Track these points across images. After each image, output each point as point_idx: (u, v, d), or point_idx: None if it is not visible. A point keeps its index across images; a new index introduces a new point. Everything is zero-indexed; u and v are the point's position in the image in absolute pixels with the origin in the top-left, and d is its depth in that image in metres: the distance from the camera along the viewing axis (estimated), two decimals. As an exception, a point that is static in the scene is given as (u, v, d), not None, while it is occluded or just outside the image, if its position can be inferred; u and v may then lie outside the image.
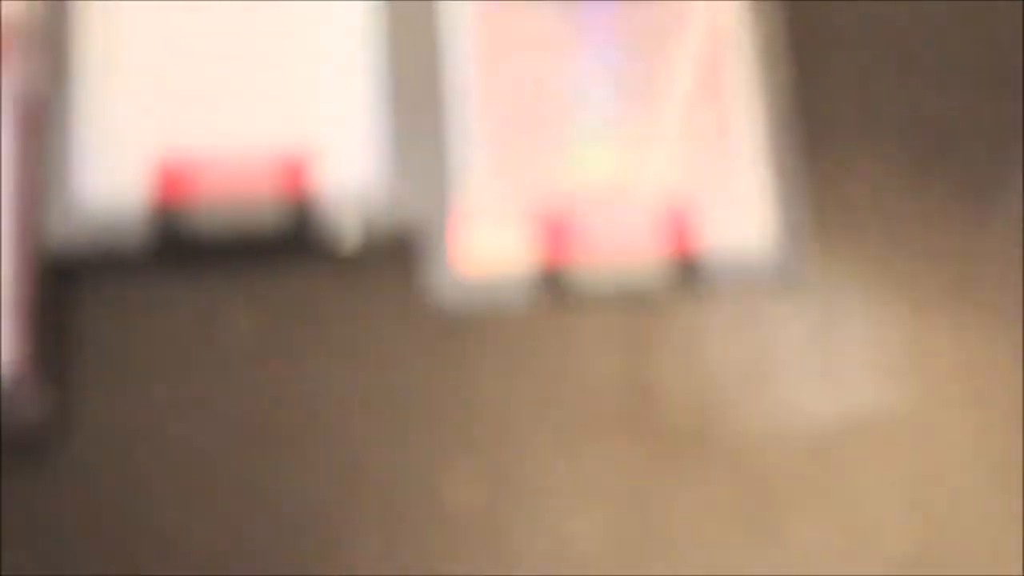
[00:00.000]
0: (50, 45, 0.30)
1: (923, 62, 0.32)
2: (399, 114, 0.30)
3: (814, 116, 0.31)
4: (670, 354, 0.30)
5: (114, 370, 0.29)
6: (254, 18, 0.31)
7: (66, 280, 0.30)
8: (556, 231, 0.29)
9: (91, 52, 0.31)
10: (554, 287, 0.29)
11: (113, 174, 0.30)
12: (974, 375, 0.29)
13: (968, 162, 0.31)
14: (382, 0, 0.31)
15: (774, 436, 0.29)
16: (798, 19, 0.32)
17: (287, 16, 0.31)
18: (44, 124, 0.30)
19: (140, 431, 0.29)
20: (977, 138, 0.32)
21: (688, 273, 0.29)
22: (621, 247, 0.29)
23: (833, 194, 0.31)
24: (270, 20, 0.31)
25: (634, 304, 0.30)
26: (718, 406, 0.29)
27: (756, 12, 0.31)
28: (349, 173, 0.30)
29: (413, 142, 0.30)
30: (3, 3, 0.31)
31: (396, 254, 0.30)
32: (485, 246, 0.29)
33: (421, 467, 0.28)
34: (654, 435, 0.29)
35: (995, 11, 0.33)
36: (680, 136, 0.31)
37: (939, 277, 0.30)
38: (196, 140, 0.30)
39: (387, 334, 0.30)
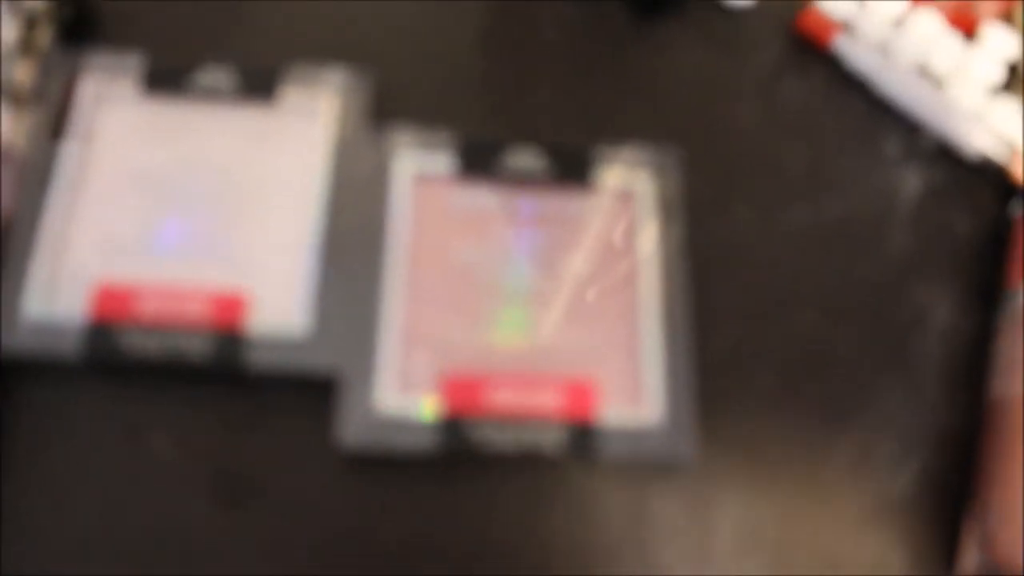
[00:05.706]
0: (33, 173, 0.34)
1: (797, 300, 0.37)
2: (331, 272, 0.33)
3: (703, 332, 0.35)
4: (560, 510, 0.32)
5: (41, 467, 0.31)
6: (218, 176, 0.35)
7: (5, 382, 0.32)
8: (463, 389, 0.32)
9: (63, 186, 0.34)
10: (457, 439, 0.31)
11: (59, 294, 0.32)
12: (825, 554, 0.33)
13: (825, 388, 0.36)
14: (333, 172, 0.35)
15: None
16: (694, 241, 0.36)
17: (245, 176, 0.35)
18: (8, 239, 0.33)
19: (62, 527, 0.30)
20: (835, 367, 0.36)
21: (584, 440, 0.32)
22: (525, 410, 0.32)
23: (715, 396, 0.35)
24: (228, 178, 0.35)
25: (532, 461, 0.33)
26: (599, 563, 0.31)
27: (666, 224, 0.35)
28: (278, 317, 0.33)
29: (340, 298, 0.33)
30: (3, 124, 0.34)
31: (313, 394, 0.33)
32: (396, 397, 0.32)
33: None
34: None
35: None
36: (590, 318, 0.34)
37: (795, 475, 0.34)
38: (141, 274, 0.33)
39: (296, 466, 0.32)
